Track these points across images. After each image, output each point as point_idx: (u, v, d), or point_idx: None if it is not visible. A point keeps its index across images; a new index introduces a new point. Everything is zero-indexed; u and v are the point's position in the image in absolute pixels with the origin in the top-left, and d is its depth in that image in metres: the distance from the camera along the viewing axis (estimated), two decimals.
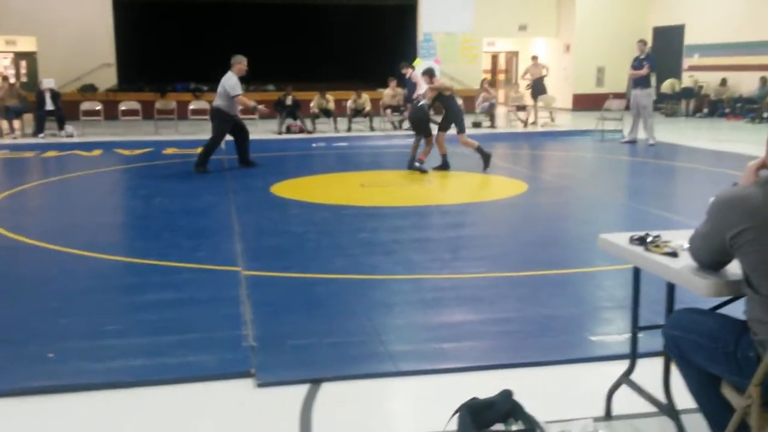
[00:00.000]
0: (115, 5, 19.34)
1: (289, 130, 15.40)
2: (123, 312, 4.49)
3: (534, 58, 18.53)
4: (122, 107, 15.76)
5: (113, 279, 5.29)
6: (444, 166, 10.39)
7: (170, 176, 10.24)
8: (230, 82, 10.52)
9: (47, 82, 14.99)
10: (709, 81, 19.22)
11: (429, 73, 10.57)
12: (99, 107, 15.59)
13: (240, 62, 10.67)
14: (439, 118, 10.51)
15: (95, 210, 8.07)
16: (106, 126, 15.27)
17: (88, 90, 18.40)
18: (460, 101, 10.73)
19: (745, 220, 2.18)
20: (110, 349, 3.81)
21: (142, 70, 19.69)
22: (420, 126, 10.54)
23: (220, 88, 10.59)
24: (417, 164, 10.27)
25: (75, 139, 14.08)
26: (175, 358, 3.69)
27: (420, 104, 10.59)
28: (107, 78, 19.18)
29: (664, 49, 19.76)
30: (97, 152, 12.76)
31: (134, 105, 15.85)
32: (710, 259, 2.39)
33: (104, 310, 4.50)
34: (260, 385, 3.41)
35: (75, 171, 10.71)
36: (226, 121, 10.61)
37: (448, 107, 10.28)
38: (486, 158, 10.24)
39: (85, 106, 15.68)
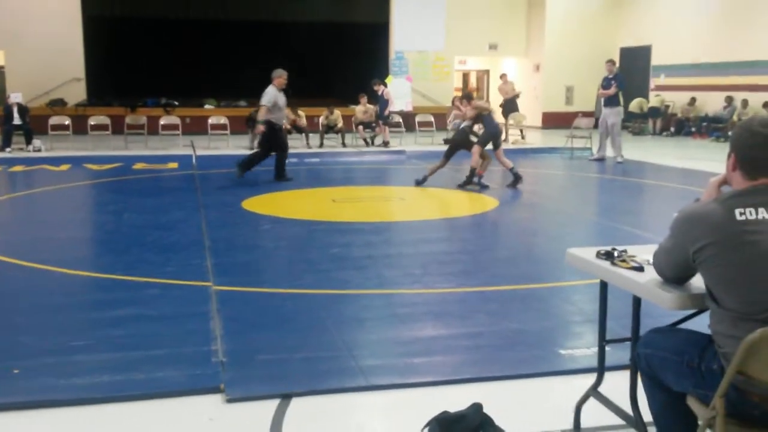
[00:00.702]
0: (85, 20, 19.19)
1: None
2: (90, 328, 4.43)
3: (503, 76, 18.75)
4: (91, 122, 15.61)
5: (80, 294, 5.22)
6: (516, 179, 10.39)
7: (140, 191, 10.15)
8: (266, 93, 10.83)
9: (14, 97, 14.81)
10: (676, 100, 19.59)
11: (467, 97, 11.17)
12: (68, 122, 15.44)
13: (280, 76, 11.01)
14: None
15: (63, 225, 7.96)
16: (75, 141, 15.11)
17: (57, 104, 18.19)
18: (496, 120, 11.22)
19: (706, 235, 2.23)
20: (77, 365, 3.75)
21: (112, 85, 19.56)
22: (463, 145, 10.70)
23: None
24: (476, 179, 10.42)
25: (43, 154, 13.89)
26: (143, 374, 3.64)
27: (461, 127, 10.89)
28: (76, 92, 18.98)
29: (632, 69, 20.12)
30: (65, 167, 12.61)
31: (104, 120, 15.71)
32: (674, 274, 2.44)
33: (71, 325, 4.44)
34: (230, 401, 3.38)
35: (42, 186, 10.58)
36: (275, 131, 10.93)
37: (487, 125, 10.53)
38: (517, 179, 10.36)
39: (54, 120, 15.52)
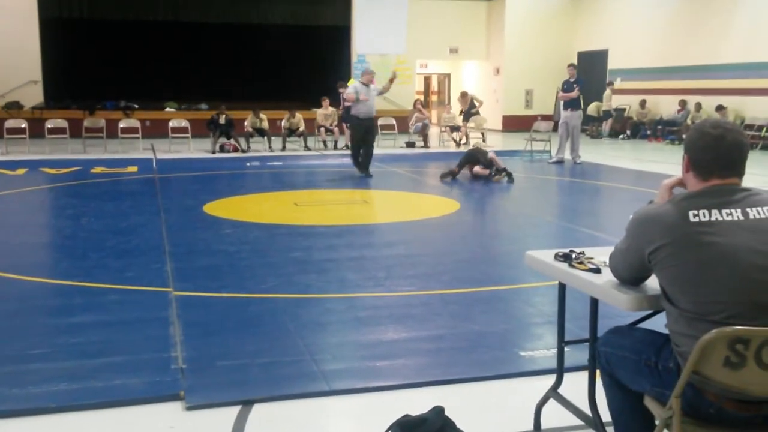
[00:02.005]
0: (42, 21, 18.82)
1: (222, 149, 15.25)
2: (46, 335, 4.34)
3: (464, 94, 18.58)
4: (49, 125, 15.31)
5: (36, 301, 5.11)
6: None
7: (98, 195, 9.98)
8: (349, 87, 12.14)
9: None
10: (632, 104, 19.94)
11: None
12: (24, 125, 15.12)
13: (368, 73, 12.11)
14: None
15: (18, 230, 7.80)
16: (32, 144, 14.79)
17: (13, 107, 17.80)
18: None
19: (661, 236, 2.27)
20: (33, 374, 3.68)
21: (70, 88, 19.20)
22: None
23: None
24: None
25: None
26: (100, 382, 3.58)
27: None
28: (33, 95, 18.60)
29: (589, 73, 20.42)
30: (21, 171, 12.35)
31: (61, 123, 15.42)
32: (630, 275, 2.48)
33: (26, 333, 4.35)
34: (189, 408, 3.35)
35: None
36: (354, 126, 12.06)
37: None
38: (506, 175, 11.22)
39: (10, 123, 15.22)
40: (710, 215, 2.24)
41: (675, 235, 2.24)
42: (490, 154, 11.55)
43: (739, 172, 2.34)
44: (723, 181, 2.31)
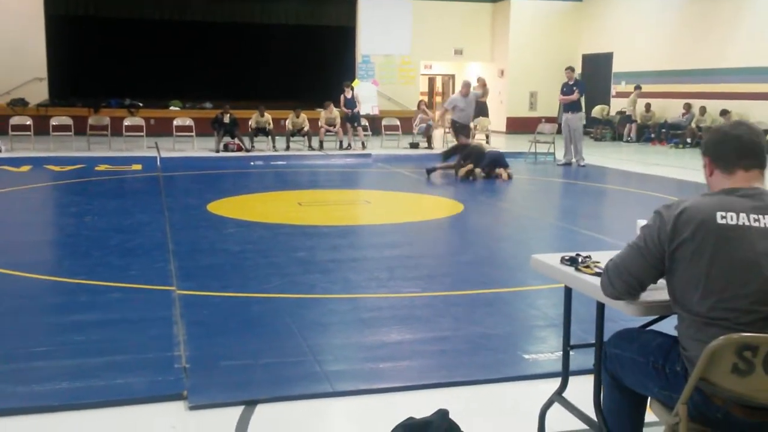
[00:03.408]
0: (48, 19, 18.86)
1: (226, 149, 15.25)
2: (49, 333, 4.34)
3: (480, 79, 18.62)
4: (53, 122, 15.30)
5: (39, 299, 5.11)
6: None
7: (102, 193, 9.99)
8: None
9: None
10: (636, 107, 19.87)
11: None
12: (29, 122, 15.12)
13: (464, 86, 13.78)
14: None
15: (22, 227, 7.80)
16: (37, 141, 14.81)
17: (18, 104, 17.84)
18: None
19: (689, 231, 2.21)
20: (36, 372, 3.67)
21: (75, 85, 19.25)
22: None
23: None
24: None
25: (3, 155, 13.61)
26: (103, 381, 3.57)
27: None
28: (38, 92, 18.64)
29: (593, 76, 20.41)
30: (25, 168, 12.37)
31: (66, 120, 15.40)
32: (637, 278, 2.36)
33: (29, 331, 4.35)
34: (192, 408, 3.34)
35: (2, 187, 10.35)
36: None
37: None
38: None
39: (15, 120, 15.20)
40: (738, 219, 2.20)
41: (702, 232, 2.20)
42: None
43: (762, 162, 2.33)
44: (748, 174, 2.29)
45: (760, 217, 2.21)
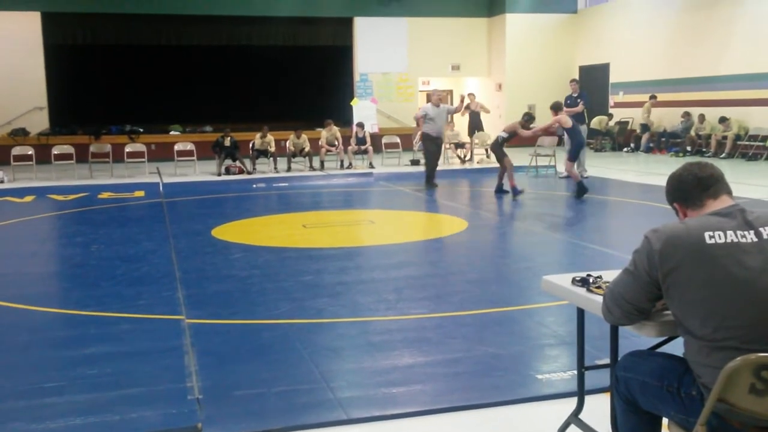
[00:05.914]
0: (46, 48, 18.99)
1: (228, 172, 15.29)
2: (60, 367, 4.33)
3: (471, 95, 18.79)
4: (55, 151, 15.39)
5: (49, 332, 5.11)
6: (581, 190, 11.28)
7: (107, 222, 10.01)
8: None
9: None
10: (635, 117, 19.94)
11: (555, 108, 12.08)
12: (31, 152, 15.19)
13: (434, 95, 13.71)
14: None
15: (28, 259, 7.81)
16: (39, 171, 14.87)
17: (19, 134, 17.94)
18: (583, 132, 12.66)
19: (679, 256, 2.24)
20: (48, 408, 3.67)
21: (76, 113, 19.33)
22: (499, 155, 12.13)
23: None
24: (511, 189, 11.42)
25: (6, 185, 13.66)
26: (117, 415, 3.57)
27: (498, 139, 12.26)
28: (39, 121, 18.75)
29: (591, 87, 20.46)
30: (29, 198, 12.41)
31: (67, 149, 15.49)
32: (634, 306, 2.40)
33: (41, 366, 4.35)
34: None
35: (6, 218, 10.37)
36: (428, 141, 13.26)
37: (573, 137, 11.68)
38: (582, 190, 11.27)
39: (16, 150, 15.28)
40: (726, 237, 2.24)
41: (692, 257, 2.23)
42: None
43: (725, 186, 2.42)
44: (717, 200, 2.37)
45: (746, 233, 2.27)
